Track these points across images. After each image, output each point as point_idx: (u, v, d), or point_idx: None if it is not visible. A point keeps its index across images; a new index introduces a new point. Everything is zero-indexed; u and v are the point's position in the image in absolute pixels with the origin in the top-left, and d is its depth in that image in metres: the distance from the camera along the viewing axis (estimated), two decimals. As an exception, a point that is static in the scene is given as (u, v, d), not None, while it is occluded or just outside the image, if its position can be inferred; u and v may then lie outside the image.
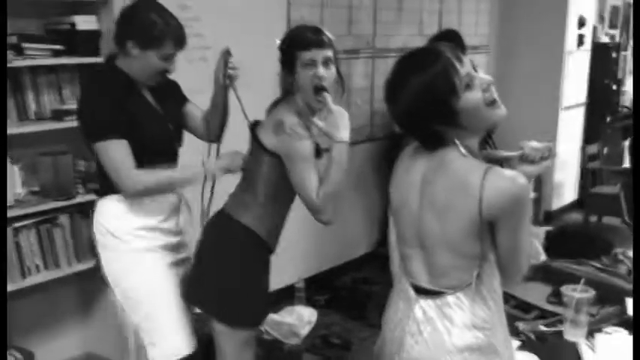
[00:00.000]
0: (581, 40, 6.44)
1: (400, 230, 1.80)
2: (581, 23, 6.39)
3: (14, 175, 2.93)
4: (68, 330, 3.36)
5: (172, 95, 2.57)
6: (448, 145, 1.67)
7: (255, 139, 2.43)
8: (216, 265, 2.46)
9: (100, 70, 2.45)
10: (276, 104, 2.47)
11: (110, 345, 3.32)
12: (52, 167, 3.00)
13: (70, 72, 3.07)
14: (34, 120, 2.96)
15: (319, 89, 2.34)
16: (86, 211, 3.09)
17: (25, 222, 2.92)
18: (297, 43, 2.35)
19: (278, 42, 2.44)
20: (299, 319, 3.79)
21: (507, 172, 1.62)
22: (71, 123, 2.95)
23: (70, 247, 3.07)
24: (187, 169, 2.46)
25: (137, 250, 2.43)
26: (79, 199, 3.05)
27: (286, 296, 4.16)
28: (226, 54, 2.47)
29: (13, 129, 2.84)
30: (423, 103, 1.63)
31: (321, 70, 2.34)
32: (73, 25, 3.01)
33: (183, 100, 2.62)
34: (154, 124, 2.44)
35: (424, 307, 1.73)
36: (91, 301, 3.38)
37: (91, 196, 3.06)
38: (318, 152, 2.48)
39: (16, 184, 2.94)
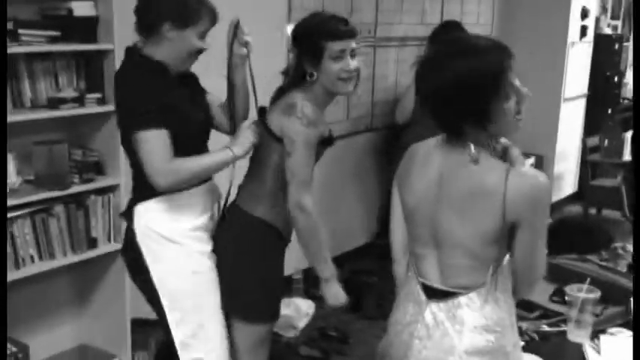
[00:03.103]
0: (583, 31, 6.38)
1: (414, 230, 1.75)
2: (584, 14, 6.34)
3: (9, 164, 2.87)
4: (63, 322, 3.31)
5: (196, 85, 2.46)
6: (467, 141, 1.62)
7: (263, 126, 2.36)
8: (233, 262, 2.40)
9: (133, 61, 2.29)
10: (283, 91, 2.40)
11: (105, 337, 3.28)
12: (47, 156, 2.94)
13: (66, 59, 3.00)
14: (29, 108, 2.89)
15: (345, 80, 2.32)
16: (81, 201, 3.04)
17: (20, 212, 2.86)
18: (327, 34, 2.28)
19: (290, 29, 2.38)
20: (297, 311, 3.76)
21: (529, 172, 1.60)
22: (67, 111, 2.91)
23: (65, 238, 3.01)
24: (215, 153, 2.32)
25: (194, 253, 2.33)
26: (75, 189, 2.99)
27: (283, 288, 4.12)
28: (236, 25, 2.33)
29: (8, 117, 2.78)
30: (465, 89, 1.54)
31: (350, 62, 2.30)
32: (70, 10, 2.94)
33: (203, 91, 2.49)
34: (193, 113, 2.33)
35: (435, 310, 1.69)
36: (86, 293, 3.33)
37: (86, 186, 3.03)
38: (329, 141, 2.44)
39: (10, 174, 2.88)
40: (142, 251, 2.32)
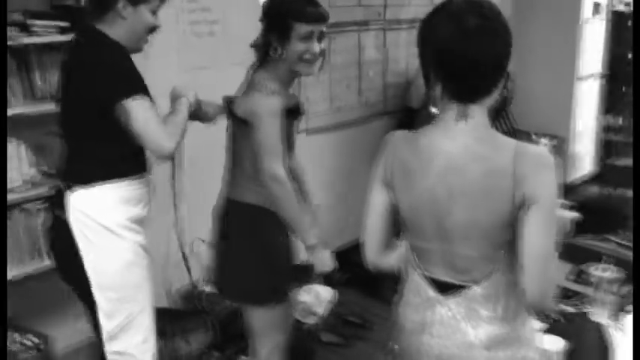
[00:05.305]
0: (597, 8, 6.30)
1: (417, 224, 1.66)
2: (597, -9, 6.25)
3: (23, 156, 2.88)
4: (83, 312, 3.31)
5: None
6: (470, 119, 1.56)
7: (231, 114, 2.39)
8: (234, 250, 2.42)
9: (91, 38, 2.24)
10: (253, 70, 2.41)
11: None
12: (60, 147, 2.93)
13: (77, 49, 2.99)
14: (40, 99, 2.89)
15: (309, 61, 2.33)
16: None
17: (36, 204, 2.87)
18: (297, 15, 2.28)
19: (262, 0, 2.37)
20: (317, 298, 3.74)
21: (534, 146, 1.57)
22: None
23: (82, 229, 3.01)
24: (177, 108, 2.29)
25: (132, 246, 2.27)
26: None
27: (304, 274, 4.11)
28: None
29: (20, 108, 2.79)
30: (508, 46, 1.55)
31: (316, 46, 2.31)
32: (79, 1, 2.93)
33: None
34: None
35: (450, 306, 1.64)
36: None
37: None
38: (297, 112, 2.43)
39: (24, 165, 2.89)
40: (76, 240, 2.24)
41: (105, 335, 2.31)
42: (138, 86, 2.15)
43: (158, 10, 2.26)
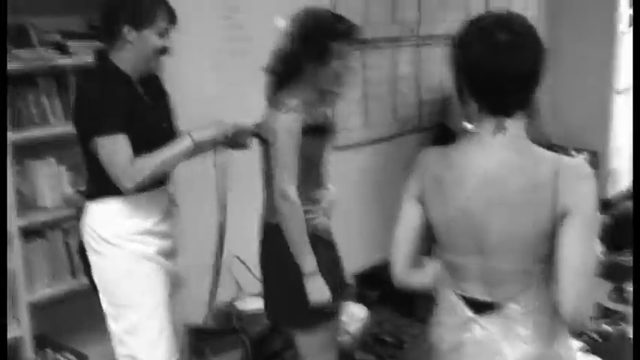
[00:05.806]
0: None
1: (452, 239, 1.65)
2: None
3: (62, 175, 2.93)
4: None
5: (160, 89, 2.49)
6: (507, 132, 1.56)
7: (259, 138, 2.41)
8: (270, 274, 2.42)
9: (94, 68, 2.39)
10: (274, 92, 2.41)
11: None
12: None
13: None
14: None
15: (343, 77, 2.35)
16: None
17: (74, 222, 2.91)
18: (333, 35, 2.29)
19: (282, 23, 2.38)
20: (350, 317, 3.73)
21: (573, 158, 1.57)
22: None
23: (119, 247, 3.05)
24: (175, 145, 2.30)
25: (132, 256, 2.34)
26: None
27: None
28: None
29: (59, 128, 2.84)
30: (540, 60, 1.54)
31: (351, 60, 2.33)
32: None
33: (166, 94, 2.52)
34: (157, 120, 2.37)
35: (486, 326, 1.62)
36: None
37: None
38: (328, 128, 2.42)
39: (63, 185, 2.94)
40: (86, 248, 2.40)
41: (113, 339, 2.41)
42: (112, 123, 2.20)
43: (167, 32, 2.30)
